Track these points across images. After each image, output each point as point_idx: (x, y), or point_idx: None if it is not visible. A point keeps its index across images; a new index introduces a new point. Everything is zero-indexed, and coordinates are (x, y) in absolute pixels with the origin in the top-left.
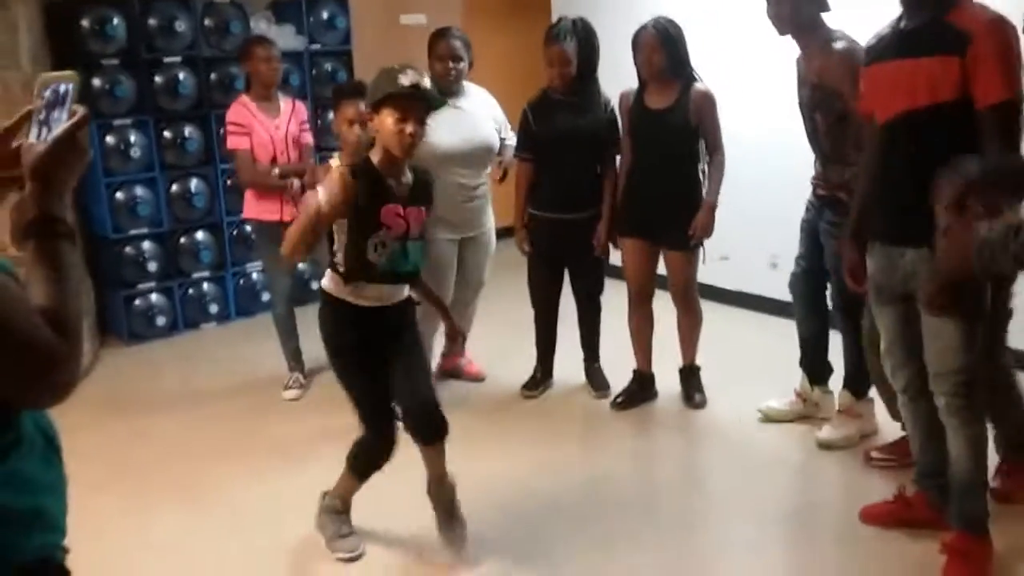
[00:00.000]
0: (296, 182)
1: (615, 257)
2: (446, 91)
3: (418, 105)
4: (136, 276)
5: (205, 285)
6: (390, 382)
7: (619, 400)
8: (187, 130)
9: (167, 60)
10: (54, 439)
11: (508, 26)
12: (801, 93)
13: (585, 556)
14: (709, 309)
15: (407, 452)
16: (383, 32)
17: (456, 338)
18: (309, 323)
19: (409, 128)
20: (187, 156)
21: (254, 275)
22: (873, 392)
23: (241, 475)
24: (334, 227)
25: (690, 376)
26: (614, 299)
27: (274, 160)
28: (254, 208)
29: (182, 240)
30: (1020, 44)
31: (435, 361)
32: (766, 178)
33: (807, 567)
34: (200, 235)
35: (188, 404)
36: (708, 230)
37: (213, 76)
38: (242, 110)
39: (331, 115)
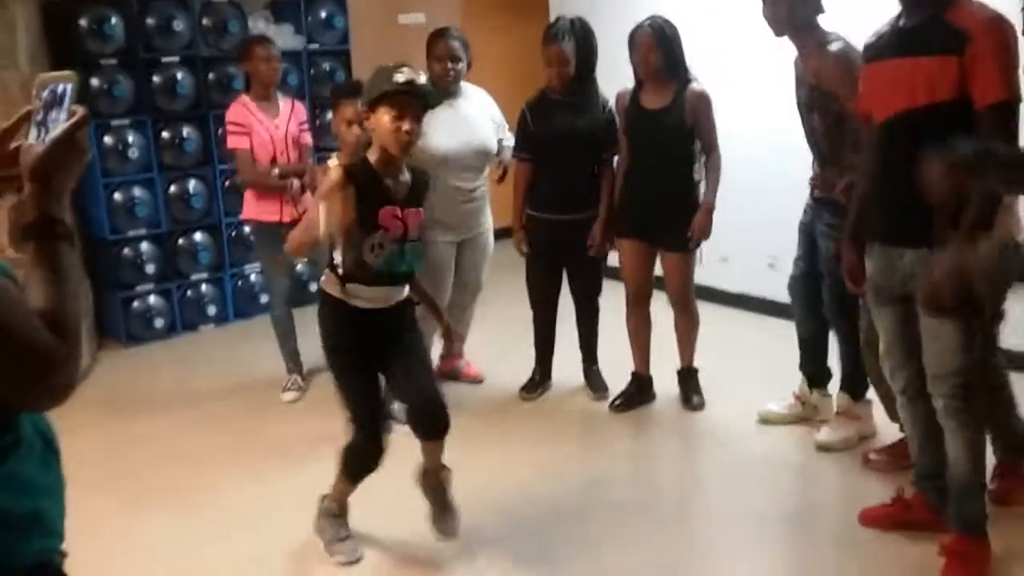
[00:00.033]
0: (296, 182)
1: (613, 258)
2: (444, 92)
3: (414, 103)
4: (134, 277)
5: (203, 287)
6: (393, 382)
7: (617, 402)
8: (185, 130)
9: (165, 60)
10: (53, 441)
11: (506, 26)
12: (799, 94)
13: (584, 557)
14: (708, 311)
15: (408, 453)
16: (381, 32)
17: (451, 337)
18: (307, 325)
19: (406, 126)
20: (185, 157)
21: (252, 277)
22: (871, 394)
23: (239, 477)
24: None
25: (688, 378)
26: (612, 301)
27: (274, 160)
28: (254, 209)
29: (180, 241)
30: (1018, 43)
31: (434, 363)
32: (765, 179)
33: (806, 569)
34: (198, 236)
35: (186, 406)
36: (706, 232)
37: (211, 76)
38: (242, 110)
39: (329, 115)
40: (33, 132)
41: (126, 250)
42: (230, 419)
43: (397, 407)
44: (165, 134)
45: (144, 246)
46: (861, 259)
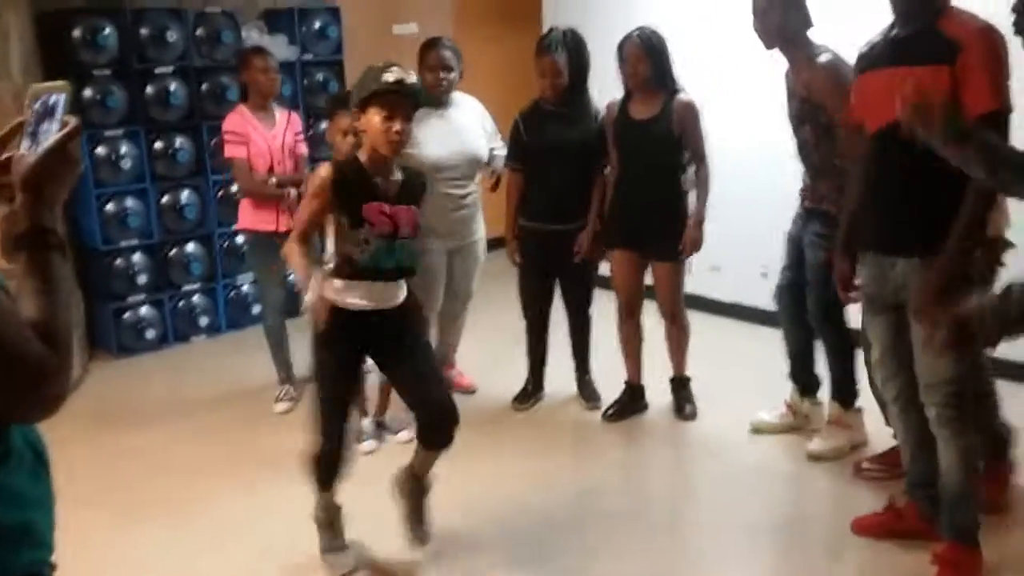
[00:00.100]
0: (293, 191)
1: (604, 268)
2: (436, 101)
3: (405, 103)
4: (126, 288)
5: (195, 297)
6: (400, 387)
7: (610, 412)
8: (178, 141)
9: (159, 70)
10: (43, 453)
11: (499, 36)
12: (790, 106)
13: (577, 567)
14: (701, 320)
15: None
16: (375, 42)
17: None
18: (300, 335)
19: (396, 126)
20: (178, 167)
21: (245, 287)
22: (861, 402)
23: (232, 488)
24: (326, 227)
25: (681, 387)
26: (604, 310)
27: (271, 170)
28: (250, 218)
29: (172, 252)
30: (1008, 54)
31: None
32: (758, 189)
33: None
34: (191, 247)
35: (178, 417)
36: (698, 245)
37: (205, 86)
38: (239, 119)
39: (323, 125)
40: (25, 143)
41: (118, 261)
42: (222, 430)
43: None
44: (158, 144)
45: (136, 257)
46: (853, 268)
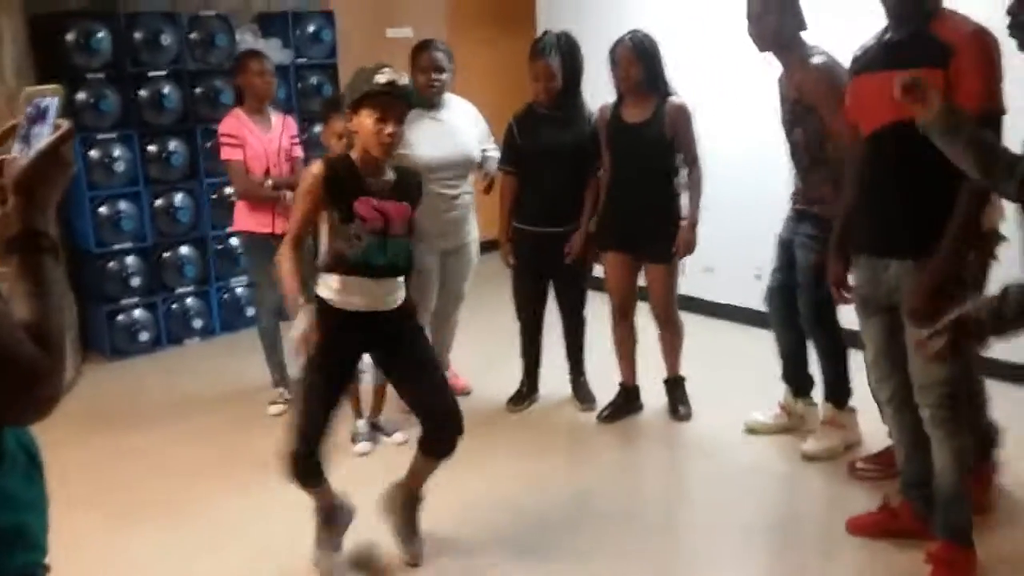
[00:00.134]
0: (288, 194)
1: (598, 271)
2: (428, 103)
3: (397, 104)
4: (119, 291)
5: (189, 300)
6: (402, 390)
7: (605, 413)
8: (172, 144)
9: (152, 74)
10: (36, 456)
11: (493, 39)
12: (783, 110)
13: (572, 568)
14: (695, 322)
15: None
16: (369, 45)
17: None
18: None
19: (388, 128)
20: (172, 170)
21: (238, 290)
22: (854, 401)
23: (227, 490)
24: (319, 228)
25: (675, 388)
26: (598, 312)
27: (267, 173)
28: (246, 220)
29: (166, 255)
30: (1001, 56)
31: None
32: (752, 191)
33: None
34: (184, 250)
35: (172, 420)
36: (691, 247)
37: (198, 90)
38: (236, 122)
39: (317, 128)
40: (17, 146)
41: (111, 263)
42: (217, 432)
43: (366, 425)
44: (151, 148)
45: (130, 260)
46: (846, 270)
